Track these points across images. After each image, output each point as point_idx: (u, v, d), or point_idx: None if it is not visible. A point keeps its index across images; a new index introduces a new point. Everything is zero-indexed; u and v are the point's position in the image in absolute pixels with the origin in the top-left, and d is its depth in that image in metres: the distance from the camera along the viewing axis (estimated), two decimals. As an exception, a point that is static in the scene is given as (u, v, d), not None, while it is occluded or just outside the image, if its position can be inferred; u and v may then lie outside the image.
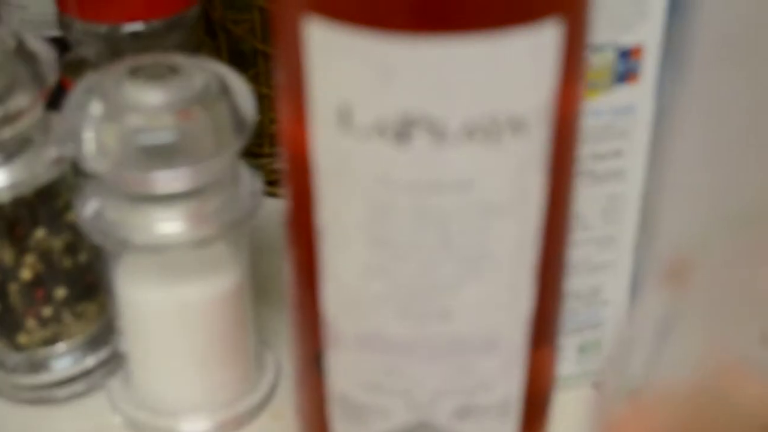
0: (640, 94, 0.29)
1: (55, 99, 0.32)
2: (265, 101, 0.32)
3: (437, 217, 0.20)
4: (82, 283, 0.35)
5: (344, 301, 0.22)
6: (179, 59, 0.30)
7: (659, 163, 0.30)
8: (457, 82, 0.19)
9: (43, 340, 0.35)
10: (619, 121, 0.29)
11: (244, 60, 0.42)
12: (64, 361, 0.35)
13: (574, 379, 0.34)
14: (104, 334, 0.36)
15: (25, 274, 0.33)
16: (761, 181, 0.22)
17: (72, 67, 0.37)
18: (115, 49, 0.35)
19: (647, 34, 0.28)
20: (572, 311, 0.33)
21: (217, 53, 0.42)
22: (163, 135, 0.29)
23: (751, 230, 0.22)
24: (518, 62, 0.19)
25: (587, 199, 0.31)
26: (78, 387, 0.35)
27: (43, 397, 0.35)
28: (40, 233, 0.33)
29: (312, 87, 0.20)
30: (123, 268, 0.32)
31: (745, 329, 0.22)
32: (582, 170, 0.30)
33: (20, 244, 0.33)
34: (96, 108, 0.29)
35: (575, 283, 0.32)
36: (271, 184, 0.40)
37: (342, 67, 0.19)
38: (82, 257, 0.34)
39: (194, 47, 0.37)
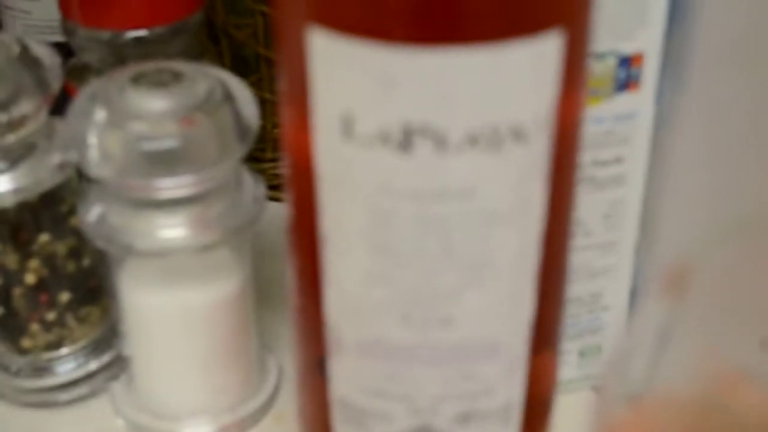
0: (641, 101, 0.29)
1: (59, 105, 0.32)
2: (267, 106, 0.32)
3: (439, 224, 0.21)
4: (86, 288, 0.35)
5: (346, 307, 0.22)
6: (182, 66, 0.30)
7: (660, 170, 0.30)
8: (459, 92, 0.19)
9: (47, 344, 0.35)
10: (620, 128, 0.29)
11: (246, 65, 0.42)
12: (67, 364, 0.35)
13: (574, 384, 0.34)
14: (108, 338, 0.36)
15: (29, 278, 0.34)
16: (761, 187, 0.22)
17: (76, 73, 0.37)
18: (119, 55, 0.36)
19: (648, 41, 0.28)
20: (573, 316, 0.33)
21: (219, 59, 0.42)
22: (167, 141, 0.29)
23: (751, 236, 0.22)
24: (520, 72, 0.19)
25: (588, 205, 0.31)
26: (81, 390, 0.35)
27: (46, 400, 0.35)
28: (44, 238, 0.33)
29: (315, 96, 0.20)
30: (126, 272, 0.32)
31: (745, 336, 0.22)
32: (583, 177, 0.30)
33: (24, 249, 0.33)
34: (100, 114, 0.29)
35: (576, 288, 0.32)
36: (274, 189, 0.40)
37: (344, 76, 0.19)
38: (86, 262, 0.35)
39: (197, 53, 0.37)
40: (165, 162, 0.29)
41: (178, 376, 0.33)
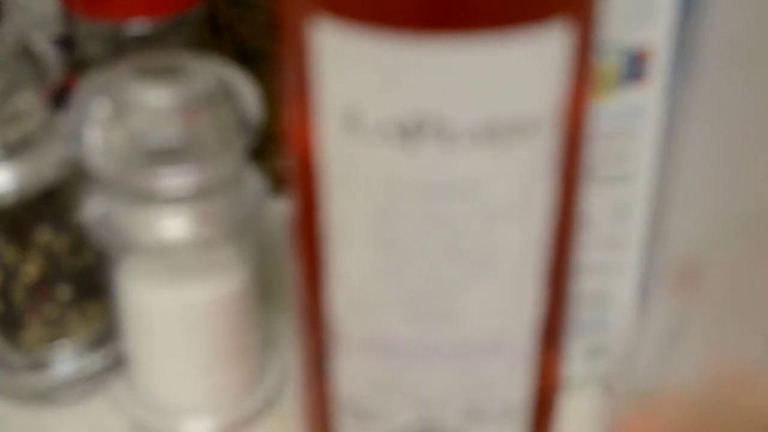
0: (648, 96, 0.29)
1: (60, 99, 0.32)
2: (270, 101, 0.32)
3: (444, 220, 0.20)
4: (86, 284, 0.35)
5: (350, 303, 0.22)
6: (184, 60, 0.30)
7: (667, 166, 0.30)
8: (465, 85, 0.19)
9: (47, 340, 0.35)
10: (627, 123, 0.29)
11: (249, 60, 0.42)
12: (67, 361, 0.35)
13: (581, 382, 0.34)
14: (108, 334, 0.36)
15: (30, 274, 0.33)
16: (770, 184, 0.22)
17: (77, 66, 0.37)
18: (120, 48, 0.35)
19: (655, 35, 0.28)
20: (579, 313, 0.33)
21: (222, 53, 0.42)
22: (168, 136, 0.29)
23: (760, 233, 0.22)
24: (526, 65, 0.19)
25: (595, 201, 0.31)
26: (81, 387, 0.35)
27: (46, 397, 0.35)
28: (44, 233, 0.33)
29: (319, 89, 0.20)
30: (127, 269, 0.32)
31: (753, 334, 0.22)
32: (590, 172, 0.30)
33: (25, 245, 0.33)
34: (101, 108, 0.29)
35: (583, 285, 0.32)
36: (277, 185, 0.40)
37: (349, 69, 0.19)
38: (87, 258, 0.34)
39: (199, 47, 0.37)
40: (167, 156, 0.29)
41: (179, 373, 0.33)
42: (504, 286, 0.22)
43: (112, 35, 0.35)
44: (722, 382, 0.22)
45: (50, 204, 0.33)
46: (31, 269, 0.33)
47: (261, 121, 0.30)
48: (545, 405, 0.25)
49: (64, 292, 0.34)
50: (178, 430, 0.34)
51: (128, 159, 0.29)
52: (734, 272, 0.21)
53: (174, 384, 0.34)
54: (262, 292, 0.34)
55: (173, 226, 0.30)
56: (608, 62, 0.28)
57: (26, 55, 0.32)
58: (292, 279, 0.24)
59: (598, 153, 0.30)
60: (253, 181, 0.32)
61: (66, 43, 0.36)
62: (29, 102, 0.31)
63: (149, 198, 0.30)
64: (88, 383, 0.35)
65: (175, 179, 0.29)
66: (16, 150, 0.32)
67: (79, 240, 0.34)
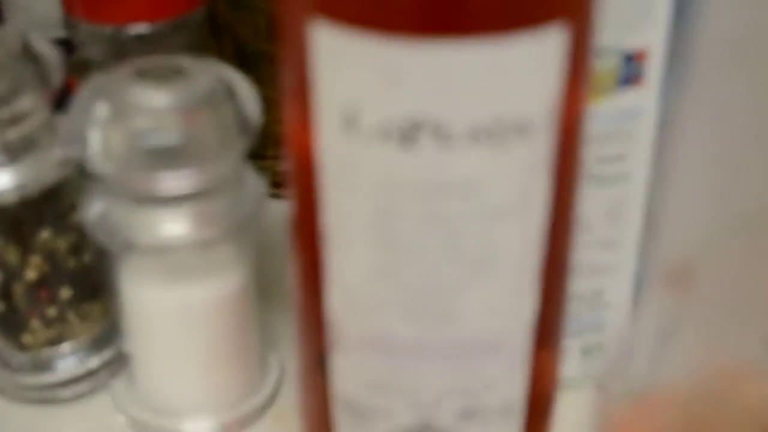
0: (645, 97, 0.29)
1: (60, 100, 0.32)
2: (270, 103, 0.32)
3: (442, 219, 0.20)
4: (87, 284, 0.35)
5: (349, 302, 0.22)
6: (185, 61, 0.30)
7: (663, 167, 0.30)
8: (463, 86, 0.19)
9: (48, 340, 0.35)
10: (624, 125, 0.29)
11: (249, 61, 0.42)
12: (68, 361, 0.35)
13: (577, 381, 0.34)
14: (109, 334, 0.36)
15: (30, 274, 0.34)
16: (765, 185, 0.22)
17: (78, 68, 0.37)
18: (121, 50, 0.36)
19: (652, 37, 0.28)
20: (575, 313, 0.33)
21: (222, 55, 0.42)
22: (169, 137, 0.29)
23: (754, 233, 0.22)
24: (524, 66, 0.19)
25: (591, 202, 0.31)
26: (82, 387, 0.35)
27: (47, 397, 0.35)
28: (45, 234, 0.33)
29: (318, 90, 0.20)
30: (128, 269, 0.32)
31: (747, 332, 0.22)
32: (586, 173, 0.30)
33: (25, 245, 0.33)
34: (102, 109, 0.29)
35: (579, 285, 0.32)
36: (276, 185, 0.40)
37: (348, 70, 0.19)
38: (87, 258, 0.35)
39: (199, 49, 0.37)
40: (167, 157, 0.29)
41: (180, 373, 0.33)
42: (503, 286, 0.22)
43: (113, 37, 0.35)
44: (715, 382, 0.22)
45: (51, 205, 0.33)
46: (31, 270, 0.34)
47: (260, 122, 0.30)
48: (542, 404, 0.25)
49: (64, 292, 0.34)
50: (178, 429, 0.34)
51: (128, 160, 0.29)
52: (727, 272, 0.22)
53: (174, 384, 0.34)
54: (262, 291, 0.34)
55: (173, 226, 0.30)
56: (605, 64, 0.28)
57: (27, 56, 0.32)
58: (291, 279, 0.24)
59: (594, 154, 0.30)
60: (253, 181, 0.32)
61: (66, 45, 0.36)
62: (30, 103, 0.31)
63: (149, 198, 0.30)
64: (89, 383, 0.35)
65: (175, 180, 0.29)
66: (17, 151, 0.32)
67: (80, 240, 0.34)
